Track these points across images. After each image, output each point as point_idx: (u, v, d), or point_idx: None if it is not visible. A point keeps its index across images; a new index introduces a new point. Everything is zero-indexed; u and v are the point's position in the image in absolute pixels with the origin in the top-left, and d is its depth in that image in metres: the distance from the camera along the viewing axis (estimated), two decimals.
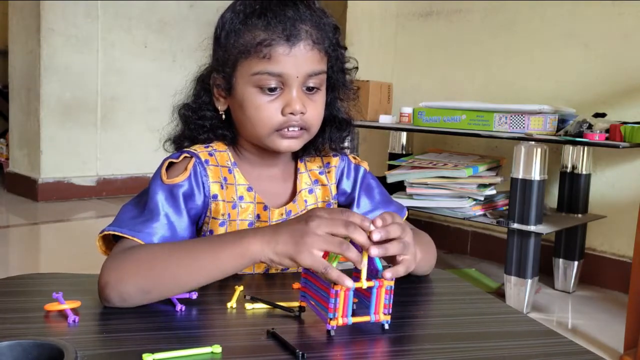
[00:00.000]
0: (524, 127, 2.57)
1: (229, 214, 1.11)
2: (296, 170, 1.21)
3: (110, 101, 4.47)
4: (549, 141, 2.47)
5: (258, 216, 1.13)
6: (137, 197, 1.09)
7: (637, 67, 2.75)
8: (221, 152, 1.15)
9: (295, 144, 1.11)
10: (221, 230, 1.11)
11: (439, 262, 3.14)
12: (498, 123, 2.63)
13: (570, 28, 2.97)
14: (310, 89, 1.09)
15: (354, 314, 0.85)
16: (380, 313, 0.86)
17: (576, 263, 2.76)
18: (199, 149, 1.14)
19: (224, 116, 1.14)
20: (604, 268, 2.85)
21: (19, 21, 4.37)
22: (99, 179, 4.43)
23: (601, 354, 2.02)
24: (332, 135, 1.20)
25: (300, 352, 0.76)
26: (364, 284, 0.84)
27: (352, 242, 0.85)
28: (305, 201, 1.20)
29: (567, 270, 2.77)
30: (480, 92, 3.26)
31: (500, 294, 2.55)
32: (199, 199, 1.09)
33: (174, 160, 1.10)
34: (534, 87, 3.09)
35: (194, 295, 0.94)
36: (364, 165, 1.27)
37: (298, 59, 1.05)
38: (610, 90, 2.83)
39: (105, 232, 1.01)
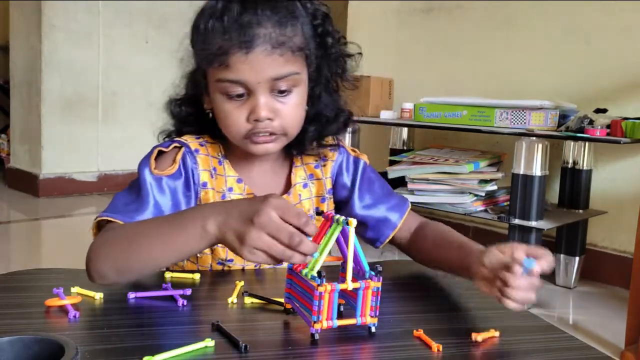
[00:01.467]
0: (525, 123, 2.56)
1: None
2: (292, 163, 1.21)
3: (111, 97, 4.47)
4: (550, 137, 2.47)
5: None
6: (129, 184, 1.10)
7: (638, 63, 2.74)
8: (212, 144, 1.16)
9: (271, 147, 1.09)
10: None
11: None
12: (499, 119, 2.63)
13: (571, 24, 2.96)
14: (281, 92, 1.05)
15: (340, 316, 0.82)
16: (367, 315, 0.83)
17: (577, 259, 2.75)
18: (190, 139, 1.14)
19: (210, 115, 1.13)
20: (605, 264, 2.85)
21: (20, 17, 4.37)
22: (100, 174, 4.43)
23: (602, 350, 2.01)
24: (318, 132, 1.16)
25: (244, 344, 0.75)
26: (350, 285, 0.81)
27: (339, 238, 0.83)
28: (300, 195, 1.20)
29: (568, 266, 2.76)
30: (482, 87, 3.25)
31: None
32: (187, 190, 1.10)
33: (164, 149, 1.11)
34: (535, 83, 3.08)
35: (188, 292, 0.94)
36: (364, 158, 1.25)
37: (256, 65, 1.01)
38: (612, 86, 2.82)
39: (100, 219, 1.03)
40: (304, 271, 0.83)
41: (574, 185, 2.77)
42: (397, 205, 1.22)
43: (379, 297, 0.83)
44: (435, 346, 0.80)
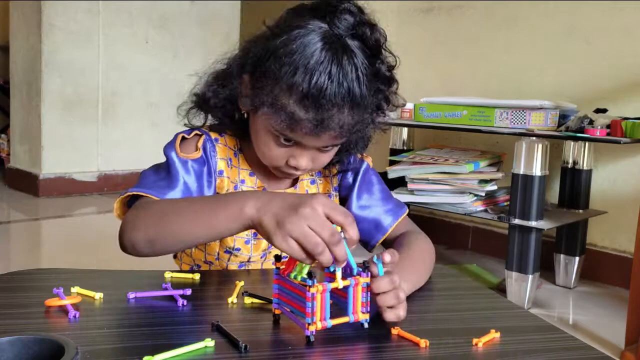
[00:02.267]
0: (525, 123, 2.56)
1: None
2: None
3: (111, 97, 4.47)
4: (550, 137, 2.47)
5: None
6: (155, 166, 1.14)
7: (638, 63, 2.74)
8: (230, 137, 1.19)
9: (293, 177, 1.16)
10: None
11: (440, 258, 3.14)
12: (499, 119, 2.63)
13: (572, 23, 2.96)
14: (326, 146, 1.08)
15: (331, 317, 0.82)
16: (359, 312, 0.83)
17: (577, 259, 2.75)
18: (178, 142, 1.16)
19: (245, 115, 1.13)
20: (605, 264, 2.85)
21: (20, 17, 4.37)
22: (100, 174, 4.43)
23: (602, 350, 2.02)
24: (338, 161, 1.20)
25: (244, 345, 0.75)
26: (340, 283, 0.81)
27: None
28: (307, 191, 1.23)
29: (568, 266, 2.76)
30: (482, 87, 3.25)
31: (501, 289, 2.55)
32: (209, 176, 1.14)
33: (186, 136, 1.15)
34: (535, 83, 3.08)
35: (188, 292, 0.94)
36: (368, 160, 1.26)
37: (319, 140, 1.04)
38: (612, 86, 2.82)
39: (129, 194, 1.06)
40: (292, 274, 0.83)
41: (574, 185, 2.77)
42: (392, 210, 1.23)
43: (369, 293, 0.84)
44: (423, 342, 0.81)
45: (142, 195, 1.06)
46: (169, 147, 1.12)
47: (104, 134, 4.46)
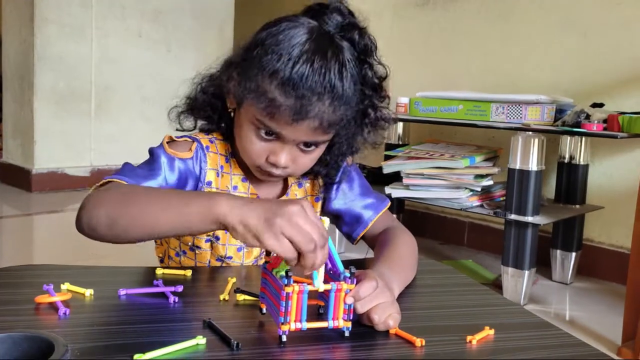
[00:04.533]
0: (521, 118, 2.56)
1: None
2: None
3: (104, 91, 4.45)
4: (546, 131, 2.46)
5: None
6: (141, 162, 1.12)
7: (635, 57, 2.73)
8: (221, 142, 1.19)
9: (275, 179, 1.14)
10: None
11: (435, 254, 3.12)
12: (495, 113, 2.62)
13: (568, 17, 2.95)
14: (307, 145, 1.08)
15: (320, 319, 0.80)
16: (340, 319, 0.80)
17: (574, 254, 2.75)
18: (200, 136, 1.17)
19: (232, 114, 1.14)
20: (601, 259, 2.85)
21: (13, 10, 4.34)
22: (93, 169, 4.41)
23: (599, 346, 2.02)
24: (323, 171, 1.20)
25: (236, 342, 0.75)
26: (321, 286, 0.79)
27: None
28: (296, 195, 1.24)
29: (565, 262, 2.76)
30: (477, 82, 3.24)
31: (497, 285, 2.55)
32: (193, 180, 1.13)
33: (176, 139, 1.14)
34: (532, 77, 3.07)
35: (180, 288, 0.93)
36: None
37: (298, 131, 1.03)
38: (608, 80, 2.81)
39: (104, 181, 1.03)
40: (275, 270, 0.81)
41: (571, 181, 2.76)
42: (373, 205, 1.26)
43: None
44: (419, 341, 0.80)
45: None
46: (156, 146, 1.11)
47: (97, 129, 4.44)
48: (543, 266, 2.79)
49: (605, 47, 2.83)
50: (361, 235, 1.25)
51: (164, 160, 1.09)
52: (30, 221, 3.66)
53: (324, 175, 1.22)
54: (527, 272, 2.42)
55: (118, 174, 1.04)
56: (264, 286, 0.85)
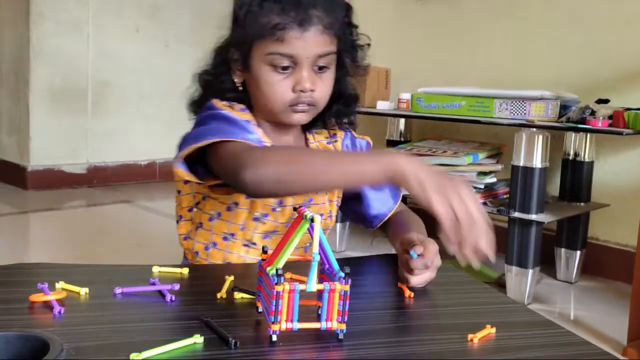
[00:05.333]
0: (525, 114, 2.54)
1: None
2: (306, 140, 1.30)
3: (101, 87, 4.42)
4: (550, 128, 2.44)
5: None
6: (197, 126, 1.18)
7: None
8: (243, 112, 1.22)
9: (305, 117, 1.20)
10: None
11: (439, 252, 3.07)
12: (498, 109, 2.61)
13: (573, 13, 2.93)
14: (320, 68, 1.17)
15: (317, 319, 0.79)
16: (334, 320, 0.78)
17: (578, 253, 2.73)
18: (220, 104, 1.20)
19: (241, 88, 1.22)
20: (607, 258, 2.83)
21: (8, 5, 4.32)
22: (89, 166, 4.38)
23: (604, 346, 2.00)
24: (338, 110, 1.29)
25: (233, 341, 0.75)
26: (313, 286, 0.77)
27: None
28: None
29: (569, 260, 2.74)
30: (481, 77, 3.22)
31: (501, 284, 2.53)
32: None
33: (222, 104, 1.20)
34: (536, 73, 3.05)
35: (176, 287, 0.93)
36: (367, 139, 1.39)
37: (308, 42, 1.13)
38: (614, 76, 2.80)
39: (197, 146, 1.07)
40: (268, 268, 0.80)
41: (575, 178, 2.74)
42: (392, 191, 1.34)
43: (347, 301, 0.78)
44: (408, 293, 0.90)
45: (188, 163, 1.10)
46: (210, 107, 1.16)
47: (93, 125, 4.41)
48: (547, 265, 2.76)
49: (610, 42, 2.81)
50: (386, 219, 1.32)
51: (237, 118, 1.13)
52: (26, 219, 3.64)
53: (337, 111, 1.29)
54: (531, 271, 2.40)
55: (211, 134, 1.06)
56: (260, 284, 0.85)
